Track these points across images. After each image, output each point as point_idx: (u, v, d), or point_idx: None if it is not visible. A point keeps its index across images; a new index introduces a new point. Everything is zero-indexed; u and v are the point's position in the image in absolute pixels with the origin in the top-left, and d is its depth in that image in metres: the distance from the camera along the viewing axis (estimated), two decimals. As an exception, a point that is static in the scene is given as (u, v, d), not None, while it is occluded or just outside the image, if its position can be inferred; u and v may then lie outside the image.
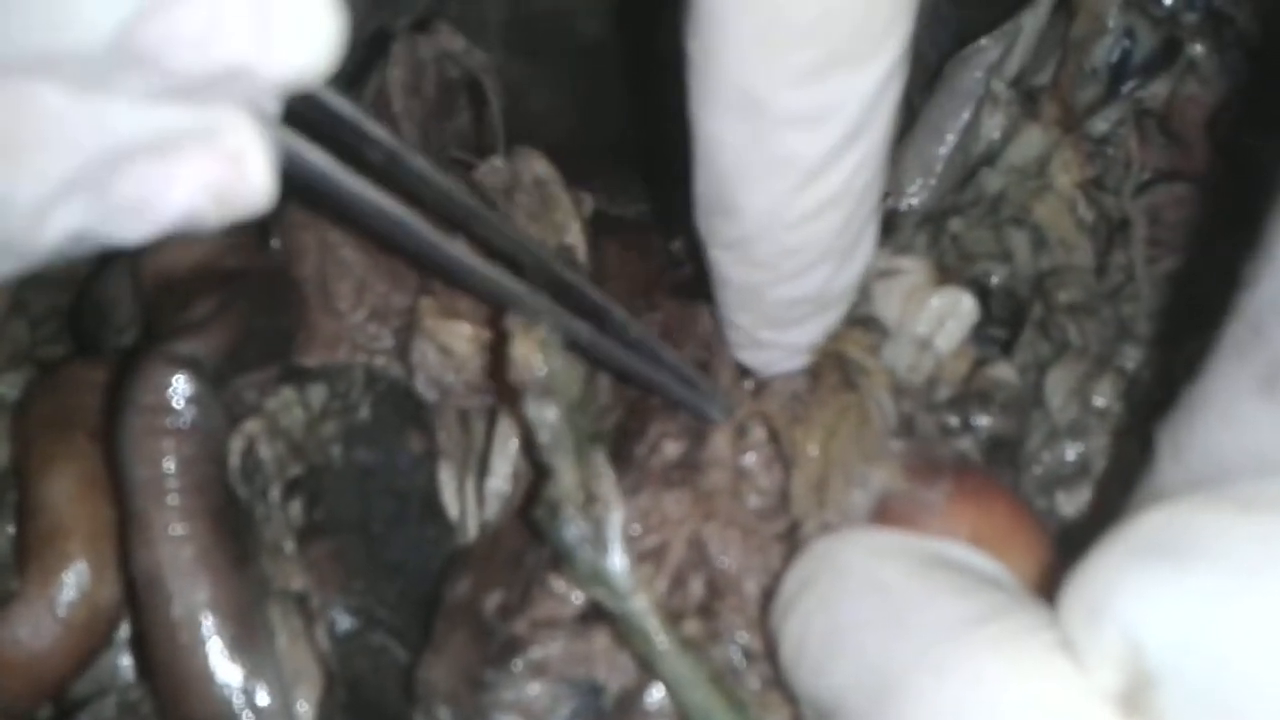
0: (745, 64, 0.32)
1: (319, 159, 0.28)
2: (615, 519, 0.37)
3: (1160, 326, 0.48)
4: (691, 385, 0.41)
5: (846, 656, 0.31)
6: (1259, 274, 0.28)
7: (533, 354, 0.38)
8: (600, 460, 0.38)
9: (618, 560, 0.37)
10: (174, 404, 0.39)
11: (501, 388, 0.46)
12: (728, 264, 0.39)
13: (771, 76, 0.32)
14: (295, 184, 0.28)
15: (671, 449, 0.42)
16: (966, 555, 0.33)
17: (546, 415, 0.38)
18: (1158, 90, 0.57)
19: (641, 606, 0.37)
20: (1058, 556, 0.37)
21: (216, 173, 0.25)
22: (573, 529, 0.37)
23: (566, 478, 0.38)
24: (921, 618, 0.30)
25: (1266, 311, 0.27)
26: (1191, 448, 0.29)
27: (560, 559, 0.39)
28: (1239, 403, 0.28)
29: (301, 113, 0.28)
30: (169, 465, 0.39)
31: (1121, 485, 0.31)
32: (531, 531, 0.40)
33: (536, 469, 0.40)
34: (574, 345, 0.38)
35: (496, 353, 0.44)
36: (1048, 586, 0.30)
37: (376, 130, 0.29)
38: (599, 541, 0.37)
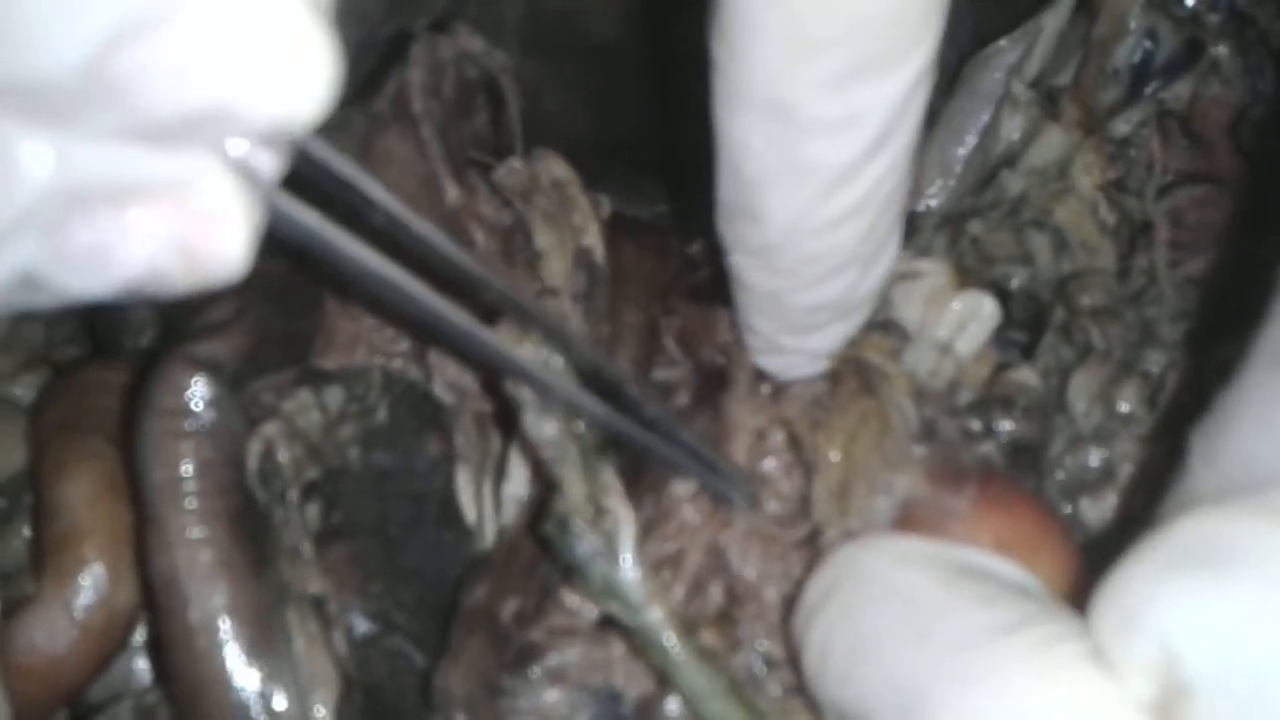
0: (772, 69, 0.31)
1: (310, 220, 0.25)
2: (626, 531, 0.37)
3: (1184, 330, 0.47)
4: (709, 466, 0.39)
5: (871, 666, 0.31)
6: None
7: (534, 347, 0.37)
8: (608, 472, 0.38)
9: (630, 573, 0.37)
10: (193, 406, 0.39)
11: (498, 404, 0.45)
12: (750, 270, 0.38)
13: (799, 82, 0.31)
14: (286, 245, 0.25)
15: None
16: (992, 562, 0.32)
17: (545, 430, 0.37)
18: (1180, 92, 0.56)
19: (656, 618, 0.37)
20: (1083, 563, 0.37)
21: (185, 229, 0.22)
22: (583, 543, 0.37)
23: (574, 491, 0.37)
24: (947, 626, 0.30)
25: (1303, 317, 0.27)
26: (1226, 454, 0.28)
27: (572, 573, 0.38)
28: (1276, 408, 0.27)
29: (298, 172, 0.25)
30: (187, 468, 0.38)
31: (1148, 492, 0.31)
32: (541, 547, 0.39)
33: (544, 483, 0.40)
34: (587, 420, 0.37)
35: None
36: (1075, 594, 0.29)
37: (377, 191, 0.27)
38: (610, 554, 0.37)
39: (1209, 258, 0.51)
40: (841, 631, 0.33)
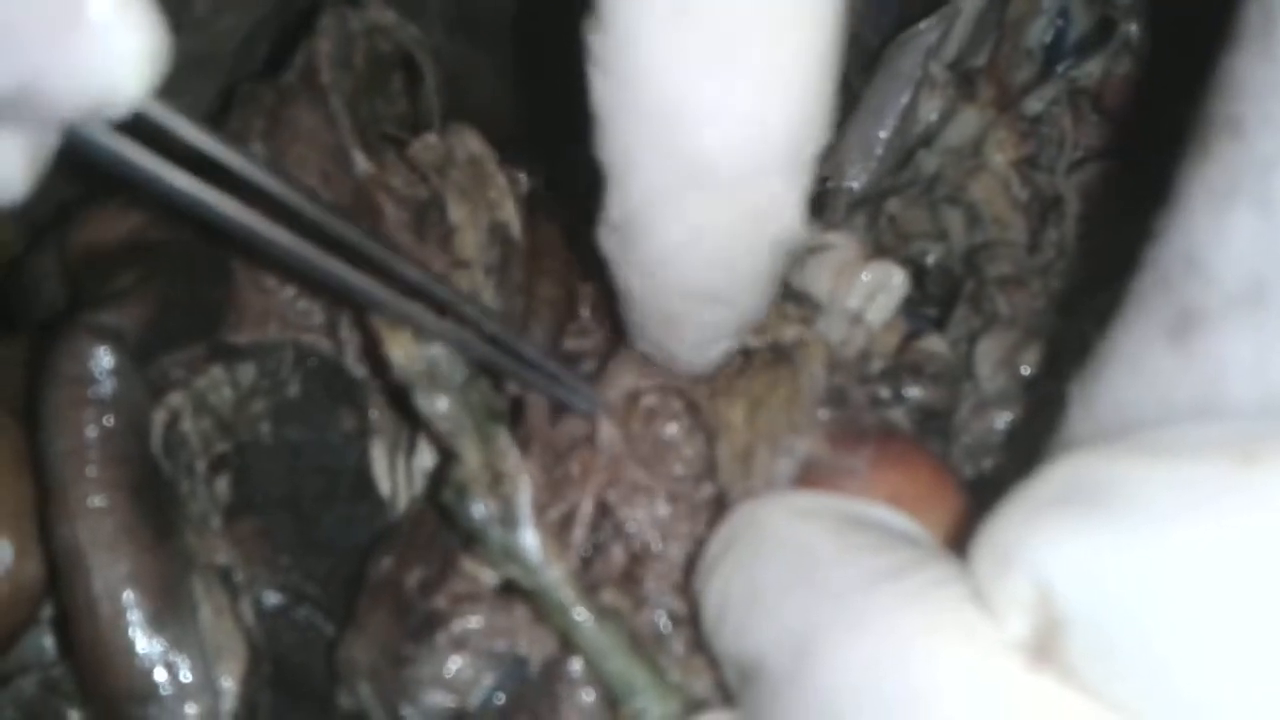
0: (661, 65, 0.29)
1: (121, 146, 0.24)
2: (524, 495, 0.37)
3: (1090, 300, 0.48)
4: (555, 379, 0.39)
5: (765, 616, 0.31)
6: (1166, 227, 0.28)
7: (407, 349, 0.37)
8: (504, 437, 0.38)
9: (529, 536, 0.37)
10: (95, 375, 0.39)
11: (389, 387, 0.45)
12: (640, 285, 0.36)
13: (689, 80, 0.29)
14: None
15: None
16: (884, 514, 0.33)
17: (438, 406, 0.37)
18: (1091, 70, 0.57)
19: (555, 579, 0.37)
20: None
21: None
22: (481, 508, 0.37)
23: (471, 459, 0.38)
24: (838, 575, 0.30)
25: (1175, 263, 0.27)
26: (1101, 400, 0.29)
27: (472, 540, 0.38)
28: (1147, 353, 0.28)
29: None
30: (90, 435, 0.38)
31: (1035, 446, 0.32)
32: (442, 516, 0.40)
33: (441, 454, 0.40)
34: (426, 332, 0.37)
35: (373, 356, 0.44)
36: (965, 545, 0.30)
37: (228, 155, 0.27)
38: (509, 519, 0.37)
39: (1118, 231, 0.52)
40: (738, 584, 0.33)
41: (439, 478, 0.41)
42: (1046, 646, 0.25)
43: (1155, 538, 0.23)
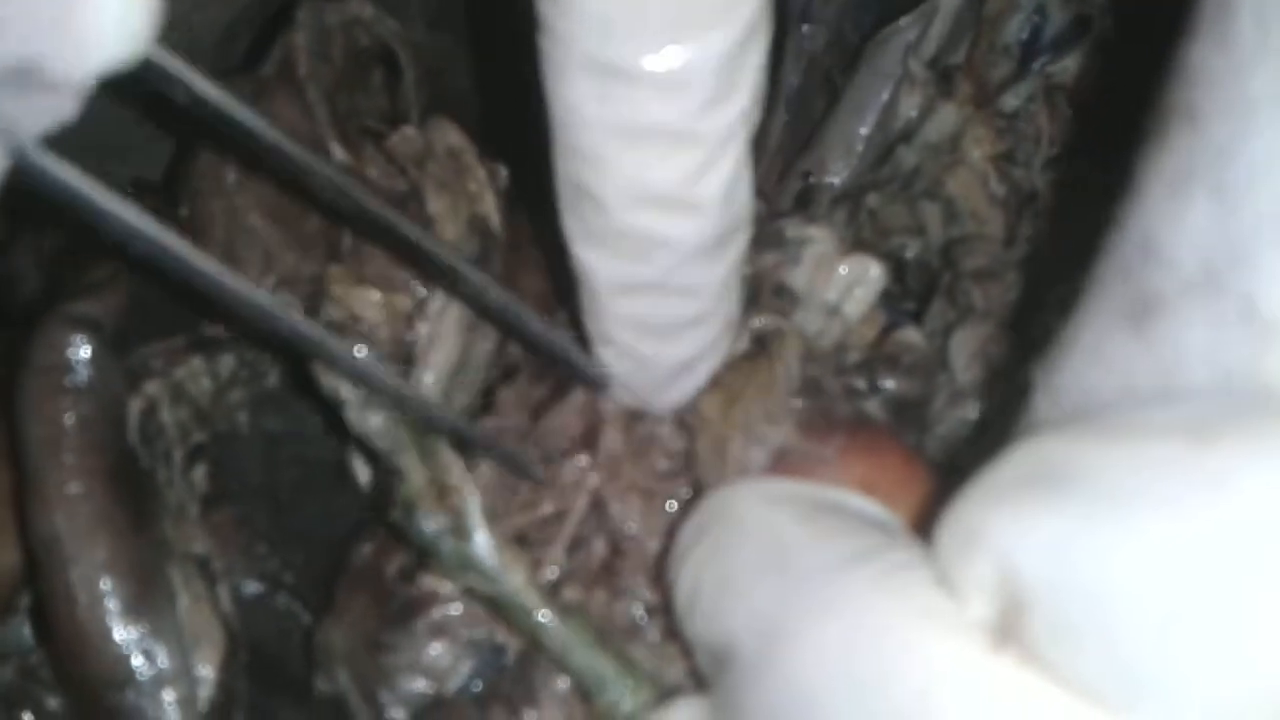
0: (600, 25, 0.31)
1: (69, 177, 0.24)
2: (473, 504, 0.37)
3: (1064, 293, 0.48)
4: (563, 356, 0.39)
5: (736, 600, 0.32)
6: (1127, 214, 0.28)
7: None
8: (445, 451, 0.38)
9: (483, 543, 0.37)
10: (72, 363, 0.39)
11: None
12: (597, 264, 0.36)
13: (628, 38, 0.31)
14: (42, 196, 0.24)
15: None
16: (853, 500, 0.33)
17: (371, 422, 0.38)
18: (1067, 66, 0.58)
19: (515, 584, 0.37)
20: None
21: None
22: (430, 522, 0.37)
23: (415, 476, 0.38)
24: (807, 559, 0.30)
25: (1134, 250, 0.28)
26: (1064, 385, 0.29)
27: (425, 554, 0.38)
28: (1108, 338, 0.28)
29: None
30: (67, 423, 0.38)
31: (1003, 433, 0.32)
32: (393, 535, 0.40)
33: (383, 473, 0.40)
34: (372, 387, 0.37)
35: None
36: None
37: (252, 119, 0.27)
38: (460, 530, 0.37)
39: (1092, 226, 0.52)
40: (709, 570, 0.33)
41: (379, 496, 0.41)
42: (1009, 627, 0.25)
43: (1114, 519, 0.23)
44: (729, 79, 0.32)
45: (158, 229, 0.26)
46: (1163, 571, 0.23)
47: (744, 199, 0.36)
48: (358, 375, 0.36)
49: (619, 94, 0.32)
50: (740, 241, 0.37)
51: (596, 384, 0.39)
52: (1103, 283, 0.29)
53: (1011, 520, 0.25)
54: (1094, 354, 0.28)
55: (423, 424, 0.37)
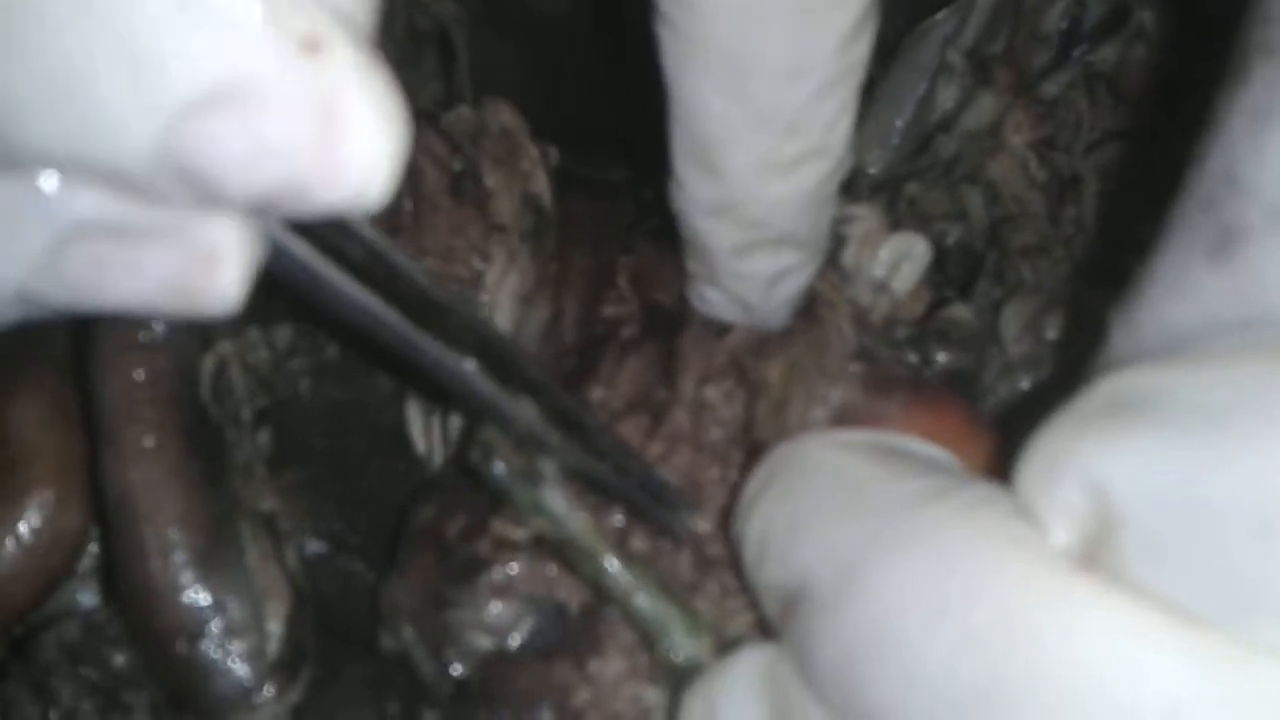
0: (727, 18, 0.33)
1: (303, 253, 0.25)
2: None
3: (1109, 267, 0.49)
4: (658, 497, 0.40)
5: (809, 541, 0.32)
6: (1208, 148, 0.29)
7: None
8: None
9: (555, 488, 0.38)
10: (147, 320, 0.39)
11: None
12: (711, 231, 0.39)
13: (753, 29, 0.33)
14: (275, 277, 0.25)
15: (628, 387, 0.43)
16: (922, 445, 0.34)
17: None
18: (1106, 54, 0.59)
19: (582, 528, 0.38)
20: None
21: (181, 271, 0.22)
22: (506, 465, 0.38)
23: None
24: (884, 496, 0.31)
25: (1216, 183, 0.28)
26: (1142, 322, 0.30)
27: (499, 498, 0.39)
28: (1189, 271, 0.28)
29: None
30: (142, 378, 0.39)
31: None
32: (469, 476, 0.40)
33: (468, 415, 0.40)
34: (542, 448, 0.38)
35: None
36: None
37: (360, 226, 0.27)
38: (534, 474, 0.38)
39: (1135, 207, 0.53)
40: (780, 514, 0.34)
41: (467, 439, 0.41)
42: (1095, 553, 0.25)
43: (1211, 433, 0.24)
44: (843, 66, 0.34)
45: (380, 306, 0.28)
46: (1262, 482, 0.23)
47: (845, 156, 0.39)
48: (529, 437, 0.37)
49: (741, 85, 0.34)
50: (836, 190, 0.40)
51: (675, 534, 0.40)
52: (1183, 217, 0.29)
53: (1100, 444, 0.25)
54: (1174, 288, 0.29)
55: (579, 475, 0.39)
